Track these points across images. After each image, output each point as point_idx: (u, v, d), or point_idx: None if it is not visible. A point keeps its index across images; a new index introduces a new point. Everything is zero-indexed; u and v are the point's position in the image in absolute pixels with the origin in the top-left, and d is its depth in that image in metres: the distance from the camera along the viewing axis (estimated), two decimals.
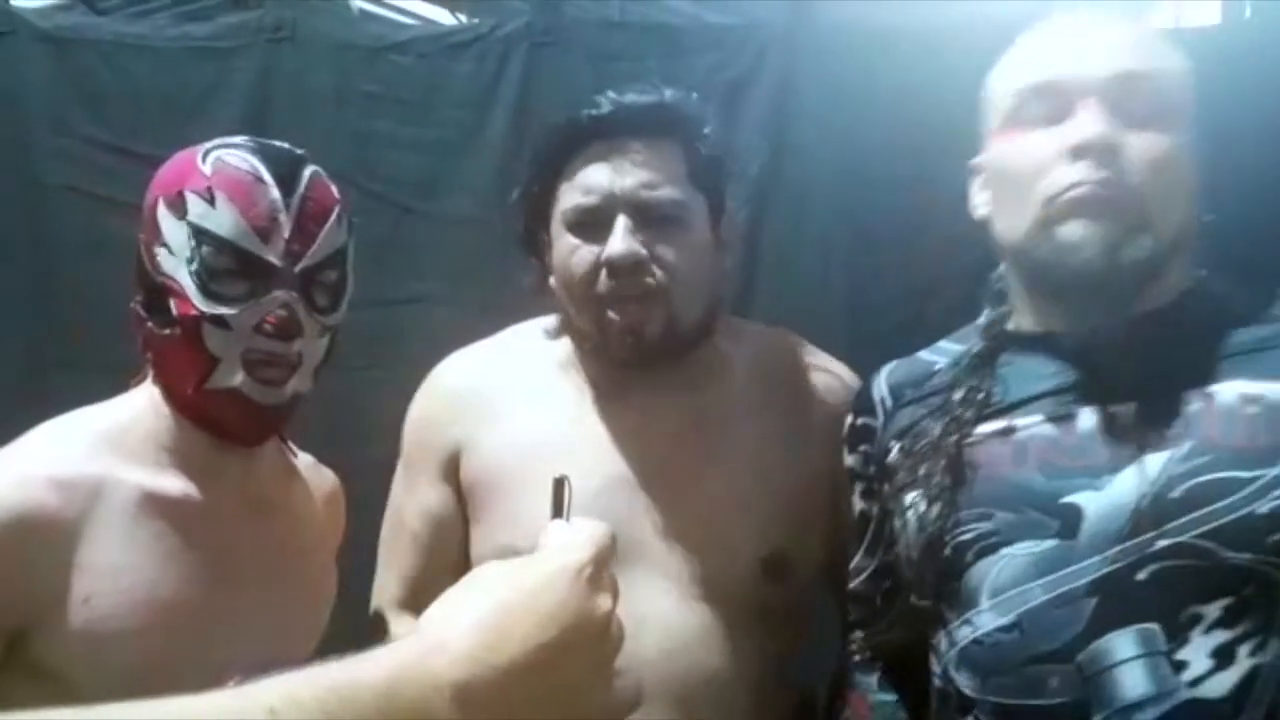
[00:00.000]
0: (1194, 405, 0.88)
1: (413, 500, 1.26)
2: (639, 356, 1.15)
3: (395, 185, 1.71)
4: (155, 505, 0.98)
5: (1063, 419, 0.93)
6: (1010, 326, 1.02)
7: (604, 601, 0.60)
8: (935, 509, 0.95)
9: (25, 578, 0.92)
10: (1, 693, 0.91)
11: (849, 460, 1.10)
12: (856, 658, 1.10)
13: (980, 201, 1.03)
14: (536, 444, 1.18)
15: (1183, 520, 0.83)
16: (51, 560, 0.93)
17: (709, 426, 1.18)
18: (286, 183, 0.98)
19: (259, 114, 1.70)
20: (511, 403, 1.22)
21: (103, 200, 1.68)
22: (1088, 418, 0.92)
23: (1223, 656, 0.81)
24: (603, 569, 0.62)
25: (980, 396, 0.98)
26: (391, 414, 1.30)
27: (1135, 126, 0.92)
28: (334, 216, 1.02)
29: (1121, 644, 0.83)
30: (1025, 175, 0.94)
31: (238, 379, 0.97)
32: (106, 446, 0.99)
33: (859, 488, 1.09)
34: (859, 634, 1.11)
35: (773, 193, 1.67)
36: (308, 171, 1.01)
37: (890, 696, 1.04)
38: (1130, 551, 0.85)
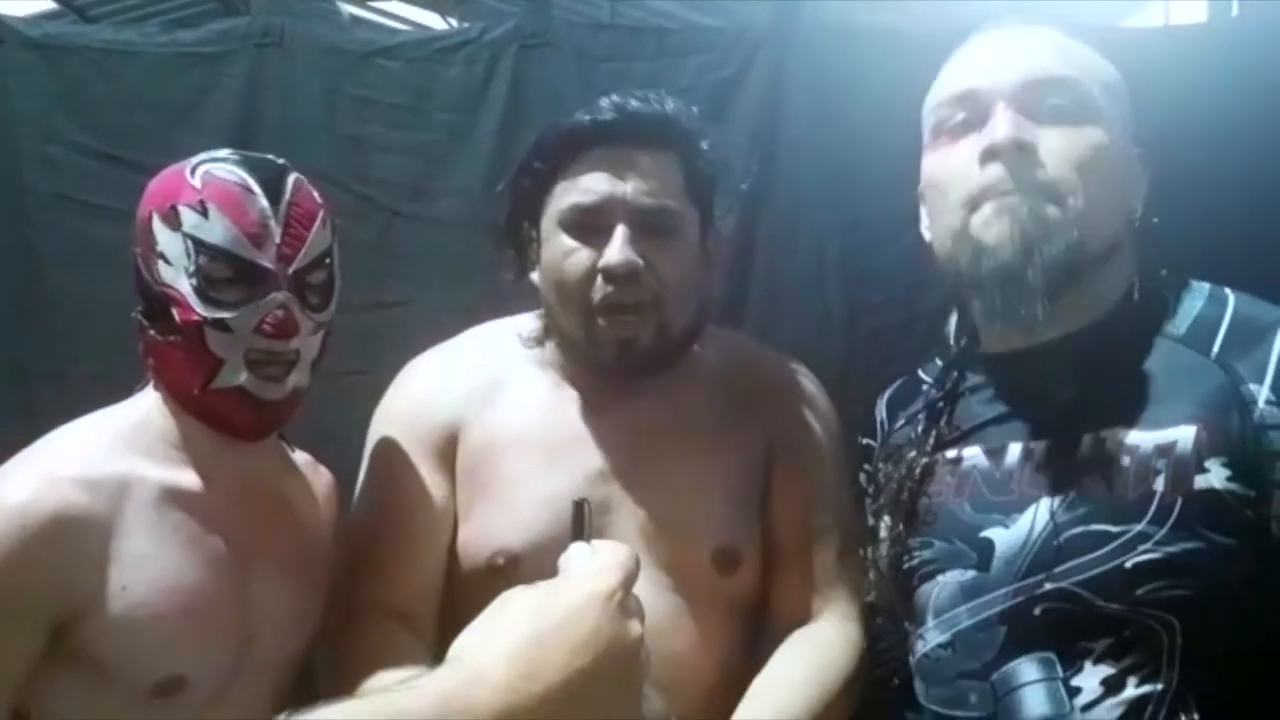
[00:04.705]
0: (1086, 449, 0.88)
1: (403, 494, 1.18)
2: (627, 366, 1.15)
3: (385, 189, 1.70)
4: (173, 498, 1.05)
5: (996, 452, 0.96)
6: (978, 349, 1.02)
7: (635, 627, 0.62)
8: (896, 532, 1.00)
9: (67, 573, 0.97)
10: (42, 681, 0.98)
11: (861, 479, 1.11)
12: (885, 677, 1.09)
13: (925, 225, 1.03)
14: (517, 437, 1.18)
15: (1064, 567, 0.86)
16: (89, 555, 0.98)
17: (677, 427, 1.20)
18: (273, 191, 1.04)
19: (248, 119, 1.69)
20: (494, 395, 1.22)
21: (91, 208, 1.67)
22: (1013, 453, 0.94)
23: (1112, 686, 0.84)
24: (629, 593, 0.63)
25: (939, 426, 1.01)
26: None
27: (1052, 124, 0.91)
28: (319, 220, 1.08)
29: (1026, 669, 0.88)
30: (947, 185, 0.96)
31: (242, 377, 1.03)
32: (124, 447, 1.05)
33: (868, 505, 1.10)
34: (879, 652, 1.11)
35: (764, 194, 1.67)
36: (291, 179, 1.07)
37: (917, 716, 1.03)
38: (1027, 589, 0.88)
